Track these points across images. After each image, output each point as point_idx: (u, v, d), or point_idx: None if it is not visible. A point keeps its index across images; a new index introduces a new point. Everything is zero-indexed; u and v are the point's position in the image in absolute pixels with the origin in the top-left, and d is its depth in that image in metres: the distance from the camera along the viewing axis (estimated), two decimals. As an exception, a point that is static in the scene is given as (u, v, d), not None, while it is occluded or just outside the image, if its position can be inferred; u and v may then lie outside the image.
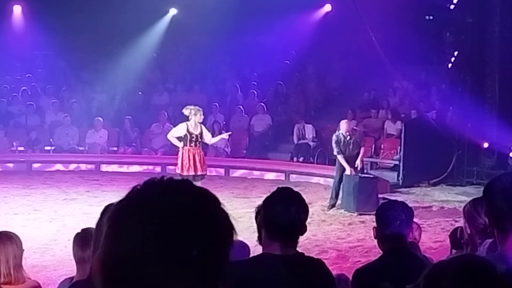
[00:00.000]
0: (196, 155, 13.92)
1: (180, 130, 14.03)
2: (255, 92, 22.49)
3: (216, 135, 19.57)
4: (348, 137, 14.64)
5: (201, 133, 14.06)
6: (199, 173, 13.92)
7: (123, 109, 22.04)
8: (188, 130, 13.86)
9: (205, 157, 14.48)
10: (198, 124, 14.06)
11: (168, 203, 1.39)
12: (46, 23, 21.54)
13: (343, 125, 14.83)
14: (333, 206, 14.64)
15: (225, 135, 15.99)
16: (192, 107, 14.16)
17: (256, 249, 4.22)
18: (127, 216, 1.39)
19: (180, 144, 13.94)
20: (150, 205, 1.39)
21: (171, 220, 1.37)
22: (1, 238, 4.95)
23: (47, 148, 20.57)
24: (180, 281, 1.37)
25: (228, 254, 1.46)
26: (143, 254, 1.35)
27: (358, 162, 14.66)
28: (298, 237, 3.90)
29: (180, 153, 13.94)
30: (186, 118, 14.10)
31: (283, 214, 3.79)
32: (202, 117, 14.34)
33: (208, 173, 16.17)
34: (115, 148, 20.65)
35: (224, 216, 1.48)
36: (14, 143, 20.32)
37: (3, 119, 21.05)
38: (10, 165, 19.23)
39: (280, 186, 4.10)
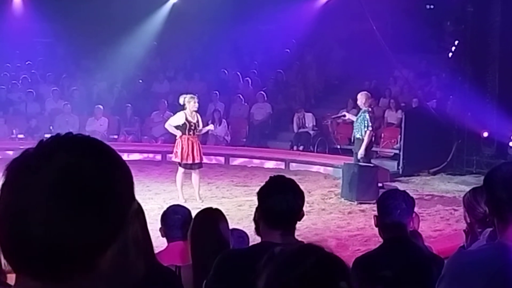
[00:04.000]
0: (195, 144, 13.96)
1: (178, 119, 14.04)
2: (249, 80, 22.44)
3: (216, 124, 19.73)
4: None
5: (198, 122, 14.13)
6: (196, 161, 13.97)
7: (123, 97, 22.03)
8: (186, 119, 13.88)
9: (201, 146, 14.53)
10: (194, 113, 14.07)
11: (60, 161, 1.31)
12: (46, 11, 21.51)
13: (365, 98, 14.64)
14: None
15: (210, 127, 15.89)
16: (186, 95, 14.22)
17: (256, 238, 4.22)
18: (27, 186, 1.30)
19: (178, 133, 13.93)
20: (42, 162, 1.31)
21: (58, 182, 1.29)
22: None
23: (47, 135, 20.16)
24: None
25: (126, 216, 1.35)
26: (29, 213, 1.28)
27: (362, 151, 14.45)
28: (296, 224, 3.91)
29: (179, 142, 13.95)
30: (183, 107, 14.14)
31: (280, 202, 3.80)
32: (197, 105, 14.24)
33: (208, 161, 16.21)
34: (116, 136, 20.64)
35: (123, 176, 1.37)
36: (14, 131, 20.31)
37: (3, 107, 21.05)
38: (10, 152, 19.15)
39: (272, 175, 4.09)
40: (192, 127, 13.92)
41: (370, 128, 14.34)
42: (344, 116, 16.36)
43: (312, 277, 1.82)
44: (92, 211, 1.29)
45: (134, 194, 1.39)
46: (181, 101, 14.14)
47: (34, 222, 1.28)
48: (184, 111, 14.02)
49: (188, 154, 13.83)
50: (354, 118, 15.07)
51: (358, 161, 14.47)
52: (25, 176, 1.32)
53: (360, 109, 14.95)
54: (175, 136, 14.21)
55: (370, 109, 14.86)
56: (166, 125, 14.39)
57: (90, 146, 1.39)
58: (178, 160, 13.91)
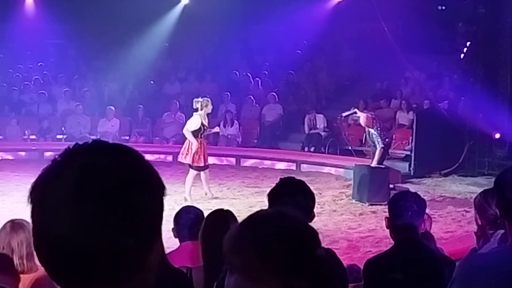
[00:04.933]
0: (205, 147, 14.29)
1: (195, 123, 14.14)
2: (260, 80, 22.45)
3: (228, 125, 19.83)
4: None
5: (208, 124, 14.34)
6: (207, 163, 14.30)
7: (134, 98, 22.08)
8: (202, 123, 14.07)
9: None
10: (206, 116, 14.30)
11: (95, 178, 1.30)
12: (58, 12, 21.59)
13: (364, 120, 14.73)
14: None
15: (216, 129, 16.06)
16: (201, 99, 14.35)
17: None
18: (52, 193, 1.31)
19: (194, 141, 14.05)
20: (77, 179, 1.30)
21: (97, 200, 1.29)
22: (13, 226, 4.97)
23: (59, 136, 20.63)
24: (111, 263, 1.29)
25: (159, 239, 1.37)
26: (70, 234, 1.27)
27: (374, 163, 14.55)
28: None
29: (191, 144, 14.04)
30: (195, 111, 14.29)
31: (291, 204, 3.79)
32: (211, 106, 14.55)
33: (219, 163, 16.25)
34: (127, 137, 20.67)
35: (157, 192, 1.37)
36: (26, 132, 20.39)
37: (15, 108, 21.13)
38: (22, 153, 19.30)
39: (282, 177, 4.09)
40: (205, 131, 14.21)
41: (381, 145, 14.45)
42: (356, 113, 16.32)
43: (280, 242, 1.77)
44: (118, 214, 1.29)
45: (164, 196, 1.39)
46: (197, 105, 14.23)
47: (64, 226, 1.28)
48: (199, 114, 14.13)
49: (199, 157, 13.99)
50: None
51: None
52: (50, 183, 1.33)
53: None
54: (185, 138, 14.35)
55: (375, 127, 14.80)
56: (185, 131, 14.41)
57: (111, 147, 1.38)
58: (188, 162, 14.01)
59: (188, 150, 14.06)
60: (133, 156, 1.37)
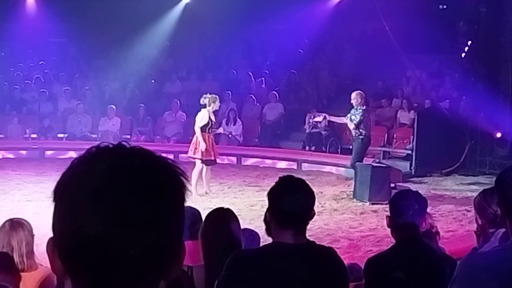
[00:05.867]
0: (213, 141, 14.62)
1: (204, 117, 14.32)
2: (261, 80, 22.46)
3: (231, 123, 19.88)
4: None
5: (215, 120, 14.67)
6: (216, 158, 14.63)
7: (136, 97, 22.08)
8: (209, 117, 14.30)
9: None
10: (213, 112, 14.52)
11: (121, 175, 1.31)
12: (59, 11, 21.59)
13: (360, 98, 14.92)
14: None
15: (220, 129, 16.29)
16: (209, 95, 14.53)
17: (267, 238, 4.22)
18: (86, 196, 1.30)
19: (200, 138, 14.22)
20: (101, 177, 1.31)
21: (123, 196, 1.29)
22: (13, 225, 4.98)
23: (60, 135, 20.65)
24: (135, 259, 1.30)
25: (181, 233, 1.38)
26: (94, 232, 1.28)
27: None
28: (308, 224, 3.90)
29: (200, 139, 14.19)
30: (203, 107, 14.46)
31: (292, 203, 3.78)
32: (219, 104, 14.88)
33: (220, 161, 16.28)
34: (128, 136, 20.66)
35: (180, 190, 1.37)
36: (27, 130, 20.41)
37: (17, 106, 21.15)
38: (23, 152, 19.30)
39: (281, 176, 4.08)
40: (213, 126, 14.46)
41: (355, 123, 14.67)
42: (325, 118, 16.36)
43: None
44: (147, 211, 1.31)
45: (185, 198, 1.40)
46: (204, 101, 14.40)
47: (94, 223, 1.29)
48: (206, 109, 14.32)
49: (208, 151, 14.22)
50: (341, 120, 15.26)
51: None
52: (78, 180, 1.33)
53: (352, 107, 15.01)
54: (190, 135, 14.50)
55: (365, 107, 14.98)
56: (196, 128, 14.46)
57: (136, 148, 1.38)
58: (198, 156, 14.13)
59: (196, 145, 14.23)
60: (158, 158, 1.38)
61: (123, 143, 1.38)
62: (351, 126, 14.81)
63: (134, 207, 1.29)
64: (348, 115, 14.95)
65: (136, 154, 1.36)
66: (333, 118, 15.94)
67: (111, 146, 1.37)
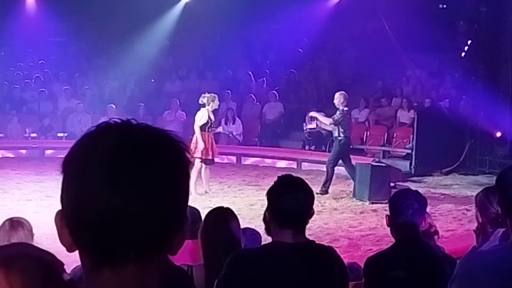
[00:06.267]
0: (212, 140, 14.60)
1: (203, 117, 14.35)
2: (261, 79, 22.47)
3: (230, 122, 19.87)
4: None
5: (214, 120, 14.68)
6: (214, 157, 14.65)
7: (135, 96, 22.08)
8: (209, 116, 14.33)
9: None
10: (212, 112, 14.53)
11: (133, 151, 1.34)
12: (59, 10, 21.58)
13: (343, 98, 14.98)
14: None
15: (220, 128, 16.34)
16: (208, 94, 14.56)
17: (267, 237, 4.22)
18: (92, 166, 1.33)
19: (199, 137, 14.23)
20: (109, 149, 1.34)
21: (135, 170, 1.33)
22: (12, 225, 4.98)
23: (59, 134, 20.64)
24: (144, 230, 1.33)
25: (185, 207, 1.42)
26: (112, 205, 1.31)
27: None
28: (307, 223, 3.91)
29: (199, 138, 14.21)
30: (202, 106, 14.47)
31: (291, 202, 3.79)
32: (218, 103, 14.92)
33: (220, 161, 16.30)
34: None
35: (185, 163, 1.42)
36: (27, 130, 20.40)
37: (16, 106, 21.14)
38: (23, 151, 19.31)
39: (279, 175, 4.08)
40: (212, 125, 14.52)
41: (334, 120, 14.77)
42: (316, 118, 16.28)
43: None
44: (154, 183, 1.34)
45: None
46: (203, 100, 14.44)
47: (103, 195, 1.32)
48: (206, 109, 14.35)
49: (208, 150, 14.26)
50: (328, 121, 15.24)
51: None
52: (87, 154, 1.36)
53: (337, 108, 15.01)
54: (190, 135, 14.49)
55: (347, 109, 15.00)
56: (195, 127, 14.46)
57: (143, 123, 1.42)
58: (198, 155, 14.13)
59: (196, 144, 14.21)
60: (164, 133, 1.42)
61: (131, 119, 1.41)
62: (328, 128, 14.83)
63: (140, 178, 1.32)
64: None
65: (143, 129, 1.39)
66: (322, 119, 15.75)
67: (119, 121, 1.40)
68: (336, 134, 14.86)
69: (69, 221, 1.36)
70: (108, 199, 1.31)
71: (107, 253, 1.34)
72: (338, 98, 14.92)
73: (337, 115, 14.75)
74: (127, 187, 1.32)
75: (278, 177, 3.98)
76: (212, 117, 14.45)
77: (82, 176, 1.34)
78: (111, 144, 1.34)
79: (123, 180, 1.32)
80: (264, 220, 4.04)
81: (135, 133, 1.37)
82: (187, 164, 1.41)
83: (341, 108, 14.83)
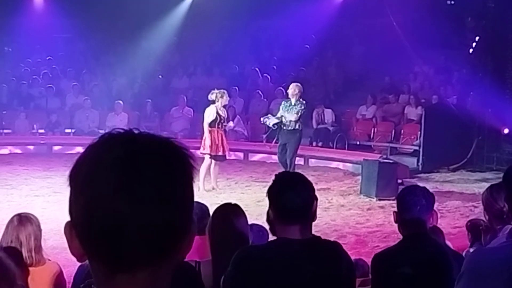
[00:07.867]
0: (223, 136, 14.55)
1: (211, 113, 14.37)
2: (268, 75, 22.44)
3: (230, 120, 19.87)
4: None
5: (226, 116, 14.64)
6: (225, 153, 14.68)
7: (143, 93, 22.10)
8: (217, 113, 14.31)
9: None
10: (223, 107, 14.54)
11: (141, 160, 1.38)
12: (67, 6, 21.62)
13: (298, 89, 14.83)
14: None
15: (230, 124, 16.13)
16: (216, 91, 14.59)
17: (274, 234, 4.22)
18: (99, 177, 1.36)
19: (207, 132, 14.26)
20: (114, 158, 1.37)
21: (146, 179, 1.36)
22: (21, 220, 5.00)
23: (67, 130, 20.68)
24: (153, 239, 1.35)
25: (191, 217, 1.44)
26: (122, 213, 1.33)
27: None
28: (313, 219, 3.89)
29: (206, 135, 14.27)
30: (212, 103, 14.49)
31: (294, 198, 3.76)
32: (228, 98, 14.96)
33: (227, 157, 16.31)
34: (135, 131, 20.66)
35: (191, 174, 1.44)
36: (35, 126, 20.44)
37: (24, 102, 21.20)
38: (31, 147, 19.35)
39: (277, 172, 4.06)
40: (222, 121, 14.44)
41: (296, 117, 14.51)
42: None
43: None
44: (163, 190, 1.37)
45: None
46: (212, 97, 14.44)
47: (113, 202, 1.34)
48: (215, 105, 14.37)
49: (218, 146, 14.29)
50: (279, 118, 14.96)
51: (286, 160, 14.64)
52: (95, 163, 1.39)
53: (289, 99, 14.89)
54: (198, 131, 14.51)
55: (304, 102, 14.85)
56: (205, 124, 14.48)
57: (144, 133, 1.47)
58: (207, 152, 14.16)
59: (205, 141, 14.26)
60: (167, 140, 1.45)
61: (133, 129, 1.47)
62: (293, 118, 14.58)
63: (146, 186, 1.35)
64: (282, 106, 14.84)
65: (146, 137, 1.43)
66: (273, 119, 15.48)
67: (122, 131, 1.46)
68: (296, 126, 14.69)
69: (79, 232, 1.39)
70: (116, 208, 1.33)
71: (119, 261, 1.36)
72: (293, 88, 14.79)
73: (301, 109, 14.60)
74: (135, 195, 1.34)
75: (276, 175, 3.96)
76: (221, 113, 14.43)
77: (89, 187, 1.36)
78: (115, 154, 1.37)
79: (130, 188, 1.34)
80: (268, 220, 4.02)
81: (138, 142, 1.41)
82: (191, 170, 1.43)
83: (299, 101, 14.66)
